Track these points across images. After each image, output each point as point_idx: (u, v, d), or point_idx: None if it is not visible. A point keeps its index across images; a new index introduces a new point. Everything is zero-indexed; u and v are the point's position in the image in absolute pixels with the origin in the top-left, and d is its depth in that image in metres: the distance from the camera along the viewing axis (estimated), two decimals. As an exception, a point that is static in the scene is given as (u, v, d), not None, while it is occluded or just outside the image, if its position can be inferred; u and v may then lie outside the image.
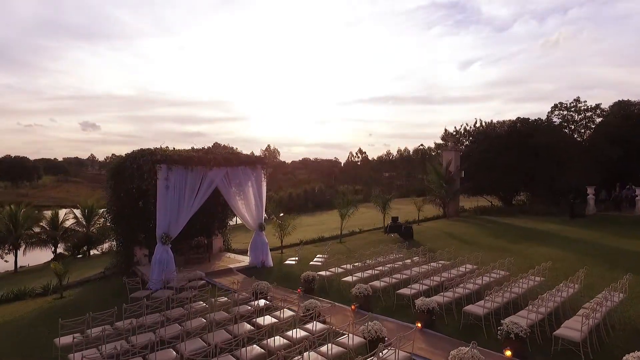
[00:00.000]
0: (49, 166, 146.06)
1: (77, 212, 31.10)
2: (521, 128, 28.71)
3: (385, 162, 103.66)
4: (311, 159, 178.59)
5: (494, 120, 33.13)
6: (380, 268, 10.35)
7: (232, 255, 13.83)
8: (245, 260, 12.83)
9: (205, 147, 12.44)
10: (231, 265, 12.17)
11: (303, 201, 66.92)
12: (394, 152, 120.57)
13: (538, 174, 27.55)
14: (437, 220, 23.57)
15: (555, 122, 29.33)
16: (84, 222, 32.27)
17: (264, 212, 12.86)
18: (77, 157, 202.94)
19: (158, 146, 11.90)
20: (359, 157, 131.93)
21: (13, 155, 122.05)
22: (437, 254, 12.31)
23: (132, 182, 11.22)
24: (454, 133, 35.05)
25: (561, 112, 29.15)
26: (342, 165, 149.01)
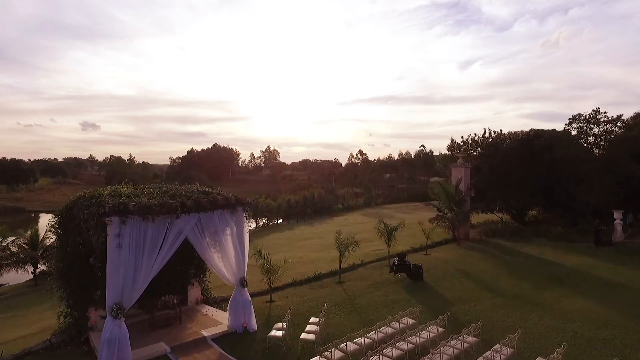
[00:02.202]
0: (46, 168, 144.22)
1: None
2: (535, 140, 26.54)
3: (387, 166, 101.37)
4: (311, 160, 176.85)
5: (504, 131, 31.01)
6: (389, 353, 8.13)
7: (211, 311, 11.63)
8: (224, 321, 10.64)
9: (172, 190, 10.18)
10: (205, 333, 9.97)
11: (302, 207, 64.96)
12: (394, 152, 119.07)
13: (554, 191, 25.41)
14: (446, 247, 21.35)
15: (572, 134, 27.14)
16: None
17: (246, 264, 10.65)
18: (76, 158, 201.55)
19: (115, 189, 9.77)
20: (359, 158, 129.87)
21: (9, 157, 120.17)
22: (460, 317, 10.10)
23: (80, 235, 9.06)
24: (461, 144, 32.87)
25: (580, 124, 26.93)
26: (343, 166, 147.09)
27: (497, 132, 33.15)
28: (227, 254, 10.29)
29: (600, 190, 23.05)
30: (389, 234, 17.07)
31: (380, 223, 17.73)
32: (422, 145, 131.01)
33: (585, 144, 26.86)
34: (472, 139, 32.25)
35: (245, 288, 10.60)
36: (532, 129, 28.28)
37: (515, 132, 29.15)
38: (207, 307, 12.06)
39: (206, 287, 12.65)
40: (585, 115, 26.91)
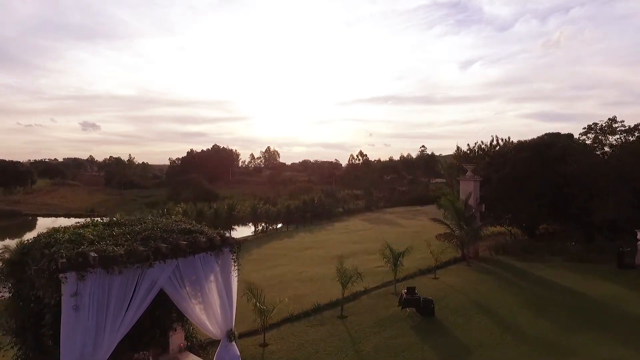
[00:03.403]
0: (45, 169, 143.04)
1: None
2: (547, 150, 25.06)
3: (389, 168, 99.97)
4: (311, 160, 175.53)
5: (513, 139, 29.57)
6: None
7: (195, 362, 10.16)
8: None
9: (147, 229, 8.68)
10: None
11: (302, 212, 63.56)
12: (395, 152, 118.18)
13: (567, 204, 23.98)
14: (455, 268, 19.82)
15: (587, 143, 25.66)
16: None
17: (234, 315, 9.18)
18: (76, 158, 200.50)
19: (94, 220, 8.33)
20: (359, 159, 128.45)
21: (9, 157, 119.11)
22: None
23: (33, 288, 7.60)
24: (468, 152, 31.41)
25: (595, 133, 25.44)
26: (343, 167, 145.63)
27: (505, 139, 31.72)
28: (211, 304, 8.81)
29: (618, 205, 21.58)
30: (395, 260, 15.58)
31: (386, 248, 16.23)
32: (423, 146, 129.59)
33: (601, 155, 25.36)
34: (480, 147, 30.76)
35: (234, 342, 9.14)
36: (544, 136, 26.82)
37: (525, 141, 27.64)
38: (192, 356, 10.58)
39: (191, 332, 11.17)
40: (601, 125, 25.42)
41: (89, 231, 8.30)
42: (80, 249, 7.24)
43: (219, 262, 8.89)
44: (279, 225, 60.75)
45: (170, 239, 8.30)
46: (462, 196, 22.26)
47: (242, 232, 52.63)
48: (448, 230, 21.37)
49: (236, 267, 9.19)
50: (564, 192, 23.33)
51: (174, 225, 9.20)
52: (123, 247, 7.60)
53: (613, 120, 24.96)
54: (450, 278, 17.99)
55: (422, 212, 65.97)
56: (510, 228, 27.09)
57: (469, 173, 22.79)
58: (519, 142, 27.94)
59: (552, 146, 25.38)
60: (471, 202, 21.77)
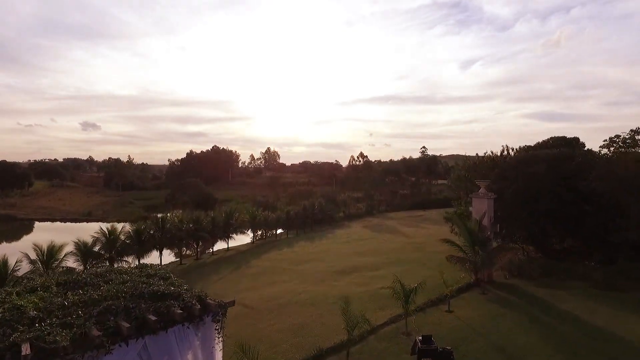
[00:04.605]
0: (43, 170, 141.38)
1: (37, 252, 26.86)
2: (566, 163, 23.37)
3: (390, 171, 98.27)
4: (311, 161, 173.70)
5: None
6: None
7: None
8: None
9: (109, 298, 6.95)
10: None
11: (302, 218, 61.79)
12: (395, 152, 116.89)
13: (587, 222, 22.33)
14: (469, 297, 18.10)
15: (608, 156, 23.96)
16: (41, 269, 27.62)
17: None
18: (76, 158, 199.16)
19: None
20: (360, 160, 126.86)
21: (9, 158, 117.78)
22: None
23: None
24: (477, 163, 29.74)
25: (618, 146, 23.74)
26: (343, 168, 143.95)
27: (518, 148, 30.02)
28: (189, 388, 7.10)
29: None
30: (406, 297, 13.87)
31: (397, 282, 14.51)
32: (424, 147, 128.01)
33: (623, 169, 23.66)
34: (489, 157, 29.07)
35: None
36: (560, 150, 25.10)
37: (539, 154, 25.86)
38: None
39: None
40: (623, 137, 23.73)
41: (33, 302, 6.60)
42: (12, 337, 5.55)
43: (199, 334, 7.18)
44: (279, 231, 58.99)
45: (137, 312, 6.60)
46: (475, 215, 20.59)
47: (240, 239, 50.95)
48: (461, 254, 19.65)
49: (221, 340, 7.47)
50: (583, 209, 21.68)
51: (144, 287, 7.46)
52: (72, 329, 5.92)
53: (636, 131, 23.26)
54: (465, 311, 16.26)
55: (425, 219, 64.21)
56: (523, 245, 25.43)
57: (482, 190, 21.09)
58: (532, 154, 26.22)
59: (568, 159, 23.72)
60: (485, 221, 20.09)
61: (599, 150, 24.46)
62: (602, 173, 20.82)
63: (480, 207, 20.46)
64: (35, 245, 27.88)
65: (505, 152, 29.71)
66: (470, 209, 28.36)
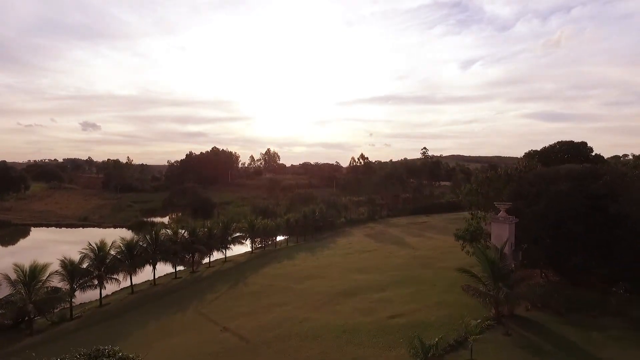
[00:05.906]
0: (41, 172, 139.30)
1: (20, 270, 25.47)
2: (592, 183, 21.33)
3: (392, 176, 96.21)
4: (312, 162, 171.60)
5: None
6: None
7: None
8: None
9: None
10: None
11: (302, 226, 59.90)
12: (395, 152, 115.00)
13: (616, 248, 20.33)
14: (491, 338, 16.01)
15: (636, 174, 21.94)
16: (23, 291, 25.94)
17: None
18: (75, 159, 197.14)
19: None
20: (360, 162, 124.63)
21: (9, 158, 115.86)
22: None
23: None
24: (490, 177, 27.77)
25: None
26: (344, 169, 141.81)
27: (534, 164, 28.01)
28: None
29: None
30: (425, 354, 11.86)
31: (415, 338, 12.45)
32: (425, 148, 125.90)
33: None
34: (506, 172, 27.08)
35: None
36: (585, 165, 23.05)
37: (560, 169, 23.76)
38: None
39: None
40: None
41: None
42: None
43: None
44: (279, 238, 56.87)
45: None
46: (495, 241, 18.62)
47: (238, 250, 48.88)
48: (479, 286, 17.61)
49: None
50: (614, 234, 19.71)
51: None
52: None
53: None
54: (489, 358, 14.25)
55: (430, 227, 61.96)
56: (543, 271, 23.41)
57: (502, 214, 19.10)
58: (554, 169, 24.19)
59: (597, 178, 21.64)
60: (507, 249, 18.09)
61: (629, 166, 22.46)
62: (634, 197, 18.81)
63: (502, 232, 18.52)
64: (16, 265, 26.09)
65: (523, 166, 27.74)
66: (484, 225, 26.26)
